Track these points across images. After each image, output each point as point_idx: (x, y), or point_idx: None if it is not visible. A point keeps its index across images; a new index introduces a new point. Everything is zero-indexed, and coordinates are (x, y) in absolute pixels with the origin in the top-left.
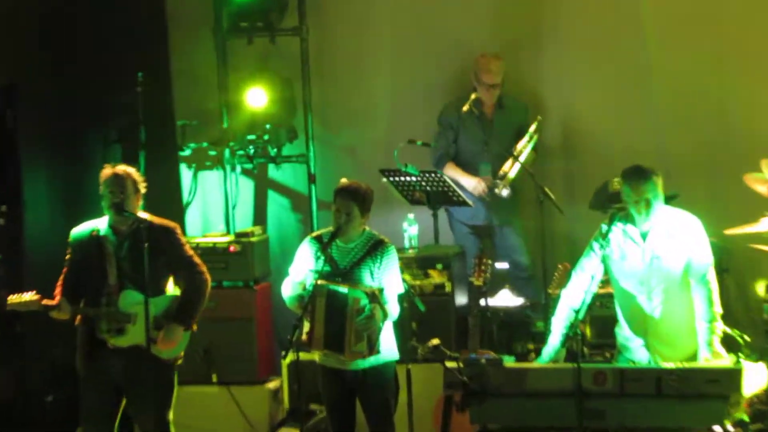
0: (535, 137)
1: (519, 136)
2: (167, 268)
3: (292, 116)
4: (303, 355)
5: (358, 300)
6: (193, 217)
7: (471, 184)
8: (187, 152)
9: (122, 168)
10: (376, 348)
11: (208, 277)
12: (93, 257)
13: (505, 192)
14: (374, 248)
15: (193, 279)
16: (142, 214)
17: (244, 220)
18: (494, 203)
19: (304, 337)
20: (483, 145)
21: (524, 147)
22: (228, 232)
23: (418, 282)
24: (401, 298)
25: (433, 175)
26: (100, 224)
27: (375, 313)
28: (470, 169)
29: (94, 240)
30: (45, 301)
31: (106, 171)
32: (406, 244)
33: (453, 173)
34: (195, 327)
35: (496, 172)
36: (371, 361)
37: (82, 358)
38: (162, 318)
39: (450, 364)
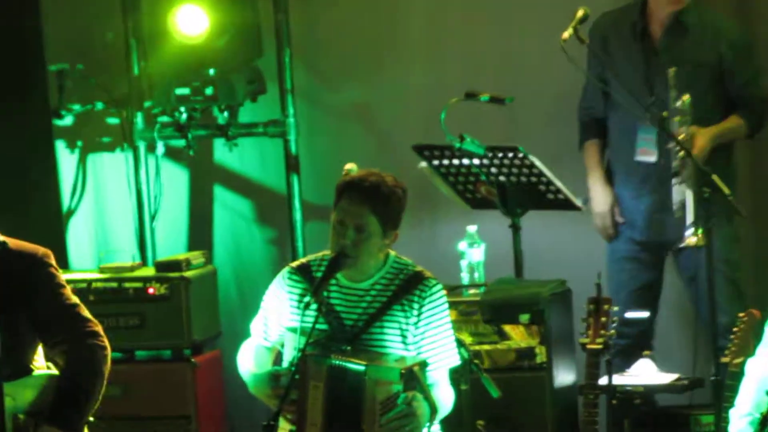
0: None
1: (711, 82)
2: (33, 327)
3: (256, 55)
4: None
5: (384, 385)
6: (79, 236)
7: (596, 199)
8: (67, 120)
9: None
10: None
11: (105, 341)
12: None
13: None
14: (406, 288)
15: (80, 346)
16: None
17: (171, 241)
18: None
19: None
20: (645, 92)
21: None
22: (143, 262)
23: (486, 347)
24: (456, 377)
25: (511, 155)
26: None
27: (414, 406)
28: (623, 139)
29: None
30: None
31: None
32: (465, 278)
33: (592, 162)
34: None
35: (663, 147)
36: None
37: None
38: (29, 418)
39: None
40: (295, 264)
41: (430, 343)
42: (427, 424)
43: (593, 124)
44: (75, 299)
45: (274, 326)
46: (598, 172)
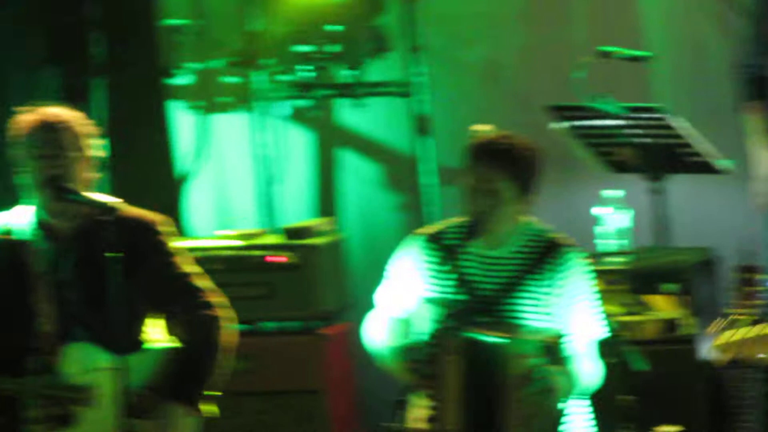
0: None
1: None
2: (148, 298)
3: (382, 11)
4: None
5: (523, 358)
6: (199, 203)
7: (760, 163)
8: (183, 80)
9: (57, 113)
10: None
11: (220, 312)
12: (6, 283)
13: None
14: (545, 256)
15: (193, 317)
16: (100, 199)
17: (295, 207)
18: None
19: (417, 426)
20: None
21: None
22: (267, 230)
23: (632, 318)
24: (602, 349)
25: (651, 115)
26: (18, 220)
27: (555, 381)
28: None
29: (6, 249)
30: None
31: (26, 119)
32: (607, 247)
33: (755, 124)
34: (217, 409)
35: None
36: None
37: None
38: (147, 393)
39: None
40: (426, 231)
41: (570, 313)
42: (568, 397)
43: (757, 84)
44: (188, 268)
45: (404, 296)
46: (762, 135)
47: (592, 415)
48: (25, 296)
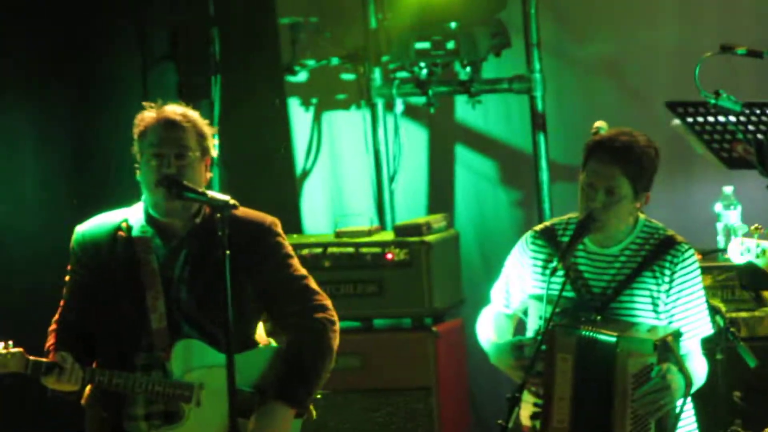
0: None
1: None
2: (260, 299)
3: (500, 7)
4: None
5: (636, 357)
6: (314, 199)
7: None
8: (300, 76)
9: (179, 111)
10: None
11: (335, 316)
12: (120, 278)
13: None
14: (658, 254)
15: (309, 320)
16: (216, 197)
17: (410, 203)
18: None
19: (529, 423)
20: None
21: None
22: (381, 226)
23: (743, 314)
24: (710, 346)
25: None
26: (132, 217)
27: (669, 379)
28: None
29: (121, 245)
30: (33, 358)
31: (148, 116)
32: (720, 243)
33: None
34: (314, 412)
35: None
36: None
37: None
38: (253, 393)
39: None
40: (539, 228)
41: (682, 311)
42: (682, 397)
43: None
44: (303, 271)
45: (516, 293)
46: None
47: (694, 415)
48: (138, 293)
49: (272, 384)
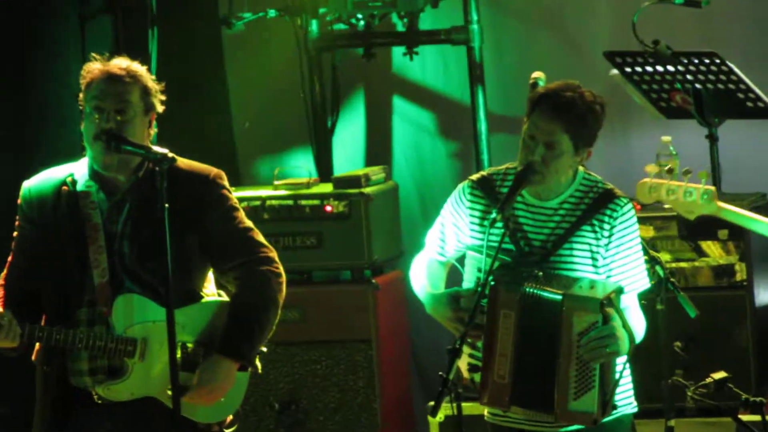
0: None
1: None
2: (205, 251)
3: None
4: (468, 408)
5: (583, 315)
6: (250, 152)
7: None
8: (236, 28)
9: (123, 65)
10: (612, 402)
11: (281, 268)
12: (64, 233)
13: None
14: (597, 207)
15: (253, 272)
16: (158, 150)
17: (349, 156)
18: None
19: (467, 375)
20: None
21: None
22: (319, 179)
23: (683, 264)
24: (652, 296)
25: (707, 61)
26: (77, 171)
27: (615, 327)
28: None
29: (64, 200)
30: None
31: (92, 69)
32: None
33: None
34: (259, 365)
35: None
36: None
37: (44, 425)
38: (198, 347)
39: (747, 417)
40: (475, 177)
41: (621, 265)
42: (626, 353)
43: None
44: (249, 223)
45: (452, 241)
46: None
47: (632, 382)
48: (81, 248)
49: (216, 338)
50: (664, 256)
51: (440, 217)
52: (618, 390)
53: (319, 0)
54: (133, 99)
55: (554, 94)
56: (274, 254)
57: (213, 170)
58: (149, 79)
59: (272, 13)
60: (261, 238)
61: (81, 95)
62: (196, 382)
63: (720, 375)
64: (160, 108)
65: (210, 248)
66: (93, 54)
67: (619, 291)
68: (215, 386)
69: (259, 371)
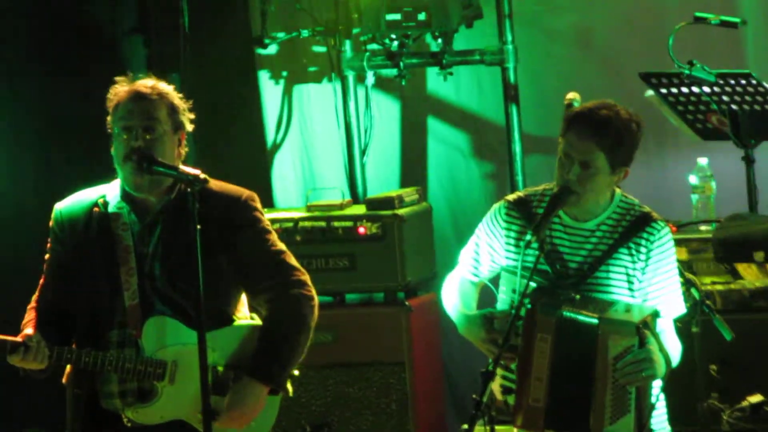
0: None
1: None
2: (236, 274)
3: None
4: (501, 431)
5: (619, 339)
6: (285, 173)
7: None
8: (271, 49)
9: (149, 84)
10: (648, 426)
11: (312, 291)
12: (95, 255)
13: None
14: (634, 230)
15: (285, 295)
16: (189, 172)
17: (382, 177)
18: None
19: (501, 397)
20: None
21: None
22: (353, 200)
23: (719, 287)
24: (687, 319)
25: (744, 82)
26: (110, 193)
27: (652, 351)
28: None
29: (96, 222)
30: (2, 337)
31: (120, 90)
32: (694, 214)
33: None
34: (291, 388)
35: None
36: None
37: None
38: (228, 370)
39: None
40: (512, 197)
41: (657, 289)
42: (662, 378)
43: None
44: (282, 246)
45: (486, 261)
46: None
47: (666, 406)
48: (112, 269)
49: (247, 361)
50: (702, 279)
51: (474, 236)
52: (653, 414)
53: (352, 20)
54: (161, 116)
55: (589, 112)
56: (306, 277)
57: (245, 192)
58: (176, 97)
59: (305, 33)
60: (293, 261)
61: (108, 118)
62: (227, 406)
63: (756, 398)
64: (189, 127)
65: (241, 270)
66: (116, 77)
67: (655, 314)
68: (246, 410)
69: (290, 395)
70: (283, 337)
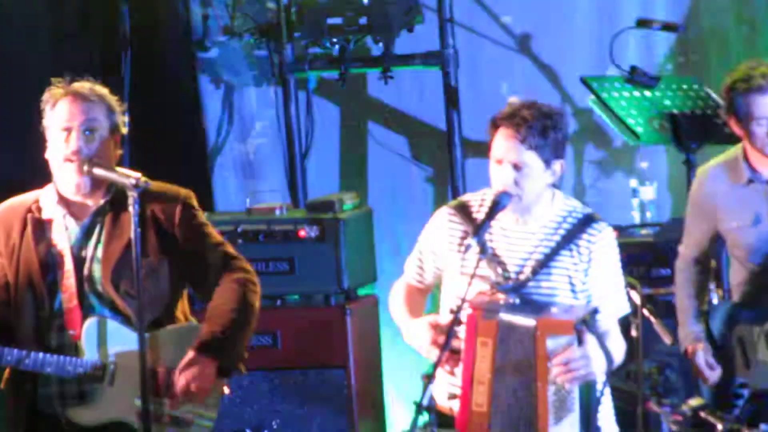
0: None
1: None
2: (180, 271)
3: None
4: None
5: (558, 340)
6: (224, 177)
7: None
8: (212, 53)
9: (87, 86)
10: (594, 425)
11: (255, 276)
12: (31, 260)
13: None
14: (575, 232)
15: (229, 279)
16: (126, 173)
17: (323, 180)
18: None
19: (446, 404)
20: None
21: None
22: (293, 204)
23: (661, 290)
24: (626, 323)
25: (685, 86)
26: (44, 197)
27: (589, 349)
28: None
29: (31, 226)
30: None
31: (56, 91)
32: (636, 218)
33: None
34: (243, 367)
35: None
36: None
37: None
38: (169, 372)
39: None
40: (453, 203)
41: (600, 290)
42: (603, 372)
43: None
44: (219, 238)
45: (430, 268)
46: None
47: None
48: (50, 273)
49: (198, 340)
50: (642, 282)
51: (418, 243)
52: (600, 414)
53: (294, 24)
54: (100, 117)
55: (510, 114)
56: (247, 265)
57: (182, 190)
58: (113, 99)
59: (247, 36)
60: (233, 250)
61: (44, 120)
62: (176, 381)
63: (697, 402)
64: (123, 129)
65: (185, 267)
66: (53, 79)
67: (594, 312)
68: (198, 384)
69: (243, 372)
70: (226, 313)
